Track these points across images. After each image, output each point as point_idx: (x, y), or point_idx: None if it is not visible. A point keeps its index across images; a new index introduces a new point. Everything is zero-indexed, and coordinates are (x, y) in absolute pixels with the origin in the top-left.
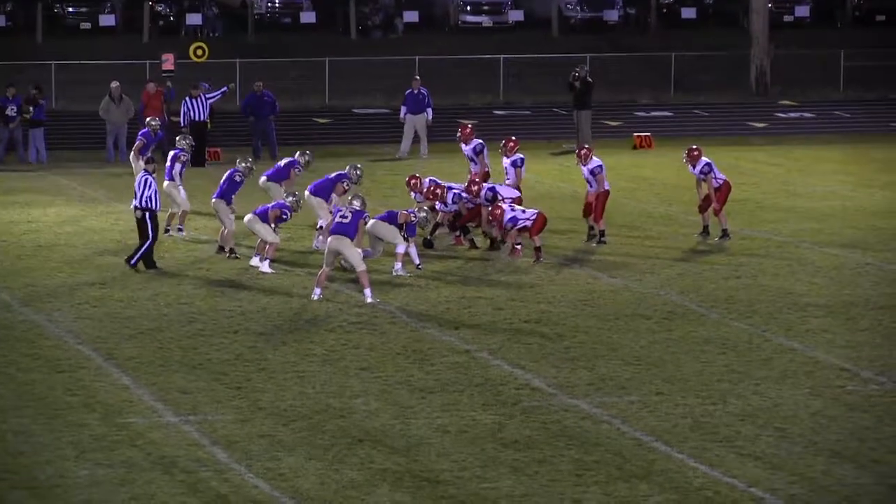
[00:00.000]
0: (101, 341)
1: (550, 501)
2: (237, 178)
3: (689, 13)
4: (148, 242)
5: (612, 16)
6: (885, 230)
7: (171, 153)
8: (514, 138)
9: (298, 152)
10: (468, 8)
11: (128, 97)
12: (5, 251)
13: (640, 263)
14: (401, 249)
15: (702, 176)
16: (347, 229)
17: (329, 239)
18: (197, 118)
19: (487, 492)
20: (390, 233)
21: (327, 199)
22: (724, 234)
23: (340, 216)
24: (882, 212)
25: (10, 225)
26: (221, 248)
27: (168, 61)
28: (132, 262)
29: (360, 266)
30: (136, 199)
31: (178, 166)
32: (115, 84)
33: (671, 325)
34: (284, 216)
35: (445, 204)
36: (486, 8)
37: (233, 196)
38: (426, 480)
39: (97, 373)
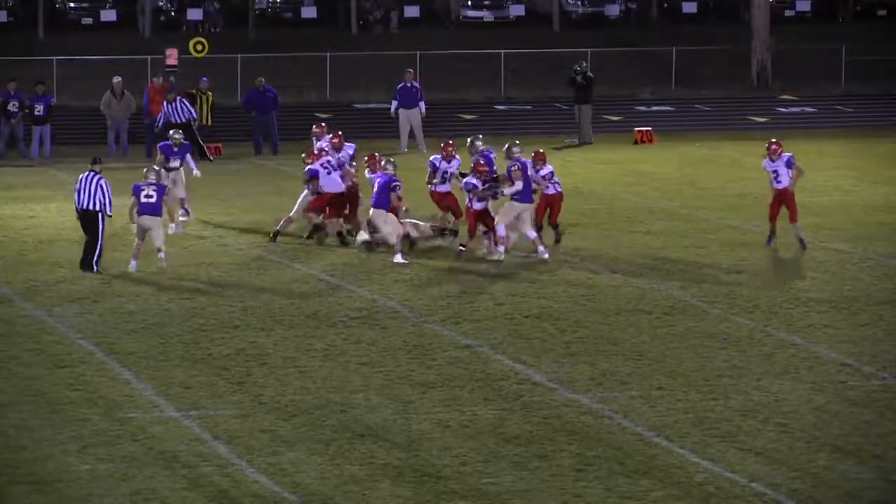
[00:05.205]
0: (103, 336)
1: (551, 496)
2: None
3: (689, 8)
4: (101, 242)
5: (613, 10)
6: (887, 225)
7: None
8: (376, 154)
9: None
10: (469, 3)
11: (129, 92)
12: (6, 246)
13: (641, 258)
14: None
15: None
16: (155, 208)
17: (140, 220)
18: (175, 121)
19: (488, 487)
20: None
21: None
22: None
23: (145, 196)
24: (884, 206)
25: (11, 220)
26: (339, 233)
27: (171, 56)
28: (95, 266)
29: (161, 243)
30: (79, 201)
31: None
32: (116, 79)
33: (672, 320)
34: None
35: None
36: (486, 3)
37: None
38: (427, 475)
39: (98, 368)
